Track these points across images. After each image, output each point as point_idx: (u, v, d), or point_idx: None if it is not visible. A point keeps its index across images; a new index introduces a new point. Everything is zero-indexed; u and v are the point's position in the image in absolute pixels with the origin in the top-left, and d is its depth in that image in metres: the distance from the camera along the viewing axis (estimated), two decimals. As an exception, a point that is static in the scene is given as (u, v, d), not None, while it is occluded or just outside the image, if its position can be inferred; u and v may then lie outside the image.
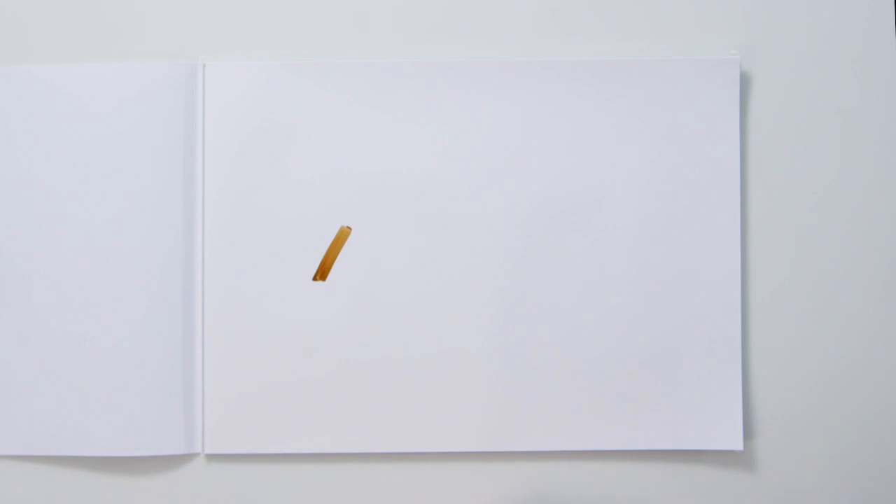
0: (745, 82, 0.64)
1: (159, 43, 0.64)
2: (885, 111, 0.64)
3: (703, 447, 0.63)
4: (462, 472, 0.63)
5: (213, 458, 0.63)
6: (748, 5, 0.64)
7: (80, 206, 0.63)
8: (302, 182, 0.63)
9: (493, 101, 0.63)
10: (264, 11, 0.65)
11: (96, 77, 0.63)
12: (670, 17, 0.64)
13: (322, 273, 0.62)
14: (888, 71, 0.64)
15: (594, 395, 0.62)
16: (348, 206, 0.63)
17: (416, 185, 0.63)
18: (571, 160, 0.63)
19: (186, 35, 0.64)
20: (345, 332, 0.63)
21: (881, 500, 0.63)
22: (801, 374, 0.64)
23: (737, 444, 0.63)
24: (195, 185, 0.63)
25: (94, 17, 0.65)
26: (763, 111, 0.64)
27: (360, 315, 0.63)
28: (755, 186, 0.64)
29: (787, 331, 0.64)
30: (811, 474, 0.63)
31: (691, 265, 0.63)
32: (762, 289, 0.64)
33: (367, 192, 0.63)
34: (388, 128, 0.63)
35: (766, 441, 0.63)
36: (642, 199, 0.63)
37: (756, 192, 0.64)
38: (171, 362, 0.63)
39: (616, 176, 0.63)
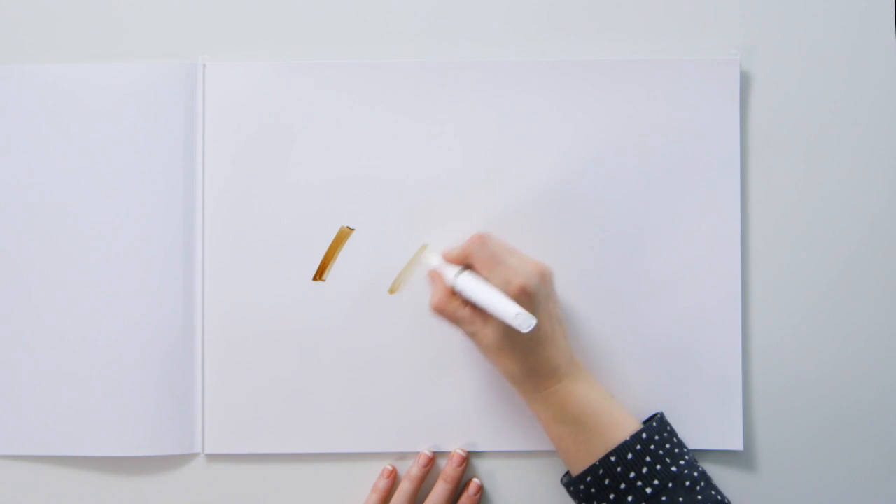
0: (745, 82, 0.64)
1: (159, 43, 0.64)
2: (884, 111, 0.64)
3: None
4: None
5: (213, 458, 0.63)
6: (748, 5, 0.64)
7: (81, 206, 0.63)
8: (301, 182, 0.63)
9: (494, 101, 0.63)
10: (264, 11, 0.65)
11: (96, 77, 0.63)
12: (670, 18, 0.64)
13: (322, 273, 0.62)
14: (888, 71, 0.64)
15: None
16: (348, 206, 0.63)
17: (416, 185, 0.63)
18: (572, 160, 0.63)
19: (186, 35, 0.64)
20: (344, 331, 0.63)
21: (881, 500, 0.63)
22: (802, 373, 0.64)
23: (737, 444, 0.63)
24: (195, 185, 0.63)
25: (94, 17, 0.65)
26: (763, 111, 0.64)
27: (360, 315, 0.63)
28: (755, 186, 0.64)
29: (788, 330, 0.64)
30: (811, 474, 0.63)
31: (691, 265, 0.63)
32: (762, 289, 0.64)
33: (366, 192, 0.63)
34: (388, 127, 0.63)
35: (766, 441, 0.64)
36: (642, 199, 0.63)
37: (756, 191, 0.64)
38: (171, 362, 0.63)
39: (617, 175, 0.63)
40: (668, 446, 0.56)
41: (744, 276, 0.63)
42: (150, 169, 0.63)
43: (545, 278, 0.57)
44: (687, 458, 0.57)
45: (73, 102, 0.63)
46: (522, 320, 0.52)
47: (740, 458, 0.63)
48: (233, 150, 0.63)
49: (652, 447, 0.56)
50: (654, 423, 0.57)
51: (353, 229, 0.63)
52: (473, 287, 0.56)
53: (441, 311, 0.57)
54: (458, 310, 0.57)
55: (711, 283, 0.63)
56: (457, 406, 0.63)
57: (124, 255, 0.63)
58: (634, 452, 0.55)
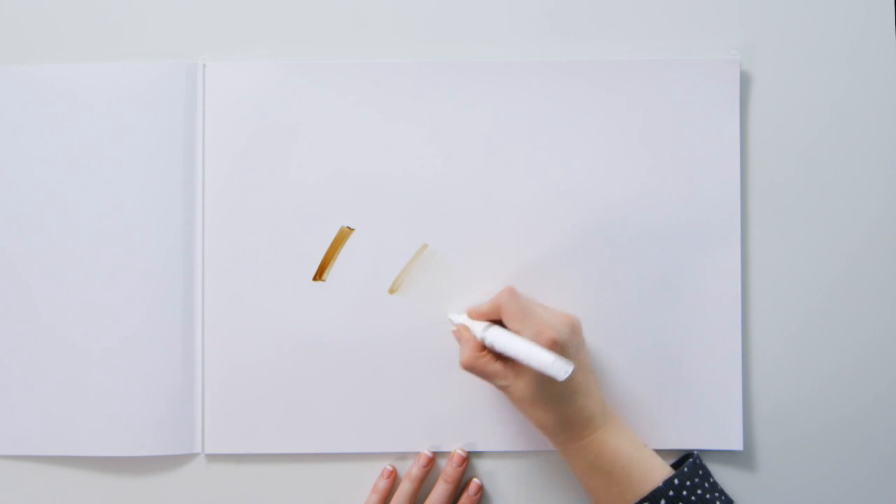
0: (745, 82, 0.64)
1: (159, 43, 0.64)
2: (884, 111, 0.64)
3: (704, 447, 0.63)
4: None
5: (213, 458, 0.63)
6: (748, 5, 0.64)
7: (81, 207, 0.63)
8: (302, 182, 0.63)
9: (493, 101, 0.63)
10: (264, 11, 0.65)
11: (96, 77, 0.63)
12: (671, 18, 0.64)
13: (322, 273, 0.62)
14: (888, 71, 0.64)
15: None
16: (348, 206, 0.63)
17: (416, 184, 0.63)
18: (572, 160, 0.63)
19: (186, 35, 0.64)
20: (344, 331, 0.63)
21: (881, 500, 0.63)
22: (801, 374, 0.64)
23: (737, 444, 0.63)
24: (195, 185, 0.63)
25: (93, 17, 0.65)
26: (763, 111, 0.64)
27: (360, 315, 0.63)
28: (755, 186, 0.64)
29: (787, 331, 0.64)
30: (811, 474, 0.63)
31: (691, 265, 0.63)
32: (762, 289, 0.64)
33: (366, 192, 0.63)
34: (388, 128, 0.63)
35: (766, 441, 0.64)
36: (642, 199, 0.63)
37: (756, 192, 0.64)
38: (171, 362, 0.63)
39: (616, 175, 0.63)
40: (699, 492, 0.56)
41: (744, 276, 0.63)
42: (149, 169, 0.63)
43: (575, 329, 0.57)
44: (719, 503, 0.57)
45: (73, 102, 0.63)
46: (559, 368, 0.52)
47: (740, 458, 0.63)
48: (233, 150, 0.63)
49: (684, 493, 0.56)
50: (686, 469, 0.57)
51: (353, 229, 0.63)
52: (505, 339, 0.55)
53: (471, 367, 0.57)
54: (488, 364, 0.57)
55: (711, 284, 0.63)
56: (457, 406, 0.63)
57: (124, 254, 0.63)
58: (667, 498, 0.55)
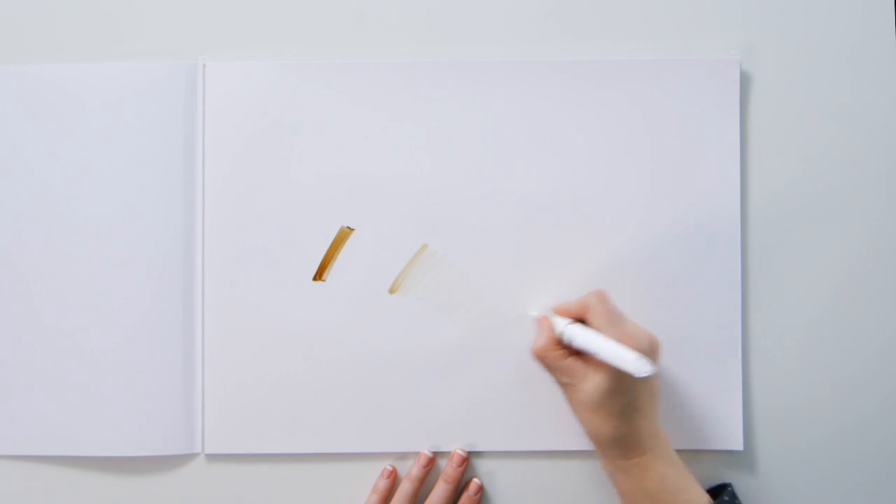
0: (745, 82, 0.64)
1: (159, 43, 0.64)
2: (884, 111, 0.64)
3: (704, 447, 0.63)
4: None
5: (213, 458, 0.63)
6: (748, 5, 0.64)
7: (81, 207, 0.63)
8: (302, 182, 0.63)
9: (493, 101, 0.63)
10: (264, 11, 0.65)
11: (96, 77, 0.63)
12: (670, 18, 0.64)
13: (322, 273, 0.62)
14: (888, 71, 0.64)
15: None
16: (348, 206, 0.63)
17: (416, 184, 0.63)
18: (572, 160, 0.63)
19: (186, 35, 0.64)
20: (344, 331, 0.63)
21: (881, 500, 0.63)
22: (802, 374, 0.64)
23: (737, 444, 0.63)
24: (195, 185, 0.63)
25: (94, 17, 0.65)
26: (763, 111, 0.64)
27: (360, 315, 0.63)
28: (755, 186, 0.64)
29: (787, 331, 0.64)
30: (811, 474, 0.63)
31: (691, 265, 0.63)
32: (762, 289, 0.64)
33: (366, 192, 0.63)
34: (388, 128, 0.63)
35: (766, 441, 0.64)
36: (642, 199, 0.63)
37: (756, 191, 0.64)
38: (171, 362, 0.63)
39: (616, 175, 0.63)
40: None
41: (744, 276, 0.63)
42: (149, 169, 0.63)
43: (654, 349, 0.57)
44: None
45: (73, 102, 0.63)
46: (642, 364, 0.52)
47: (740, 458, 0.63)
48: (233, 150, 0.63)
49: None
50: (726, 497, 0.58)
51: (353, 229, 0.63)
52: (587, 334, 0.56)
53: (542, 356, 0.58)
54: (559, 359, 0.57)
55: (711, 283, 0.63)
56: (457, 406, 0.63)
57: (124, 254, 0.63)
58: None
